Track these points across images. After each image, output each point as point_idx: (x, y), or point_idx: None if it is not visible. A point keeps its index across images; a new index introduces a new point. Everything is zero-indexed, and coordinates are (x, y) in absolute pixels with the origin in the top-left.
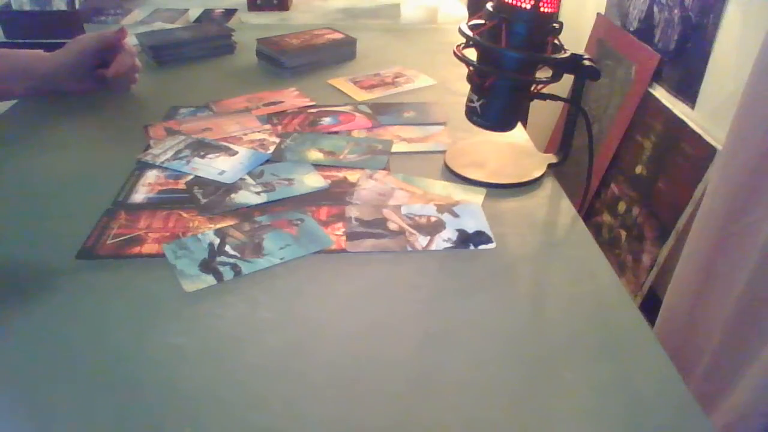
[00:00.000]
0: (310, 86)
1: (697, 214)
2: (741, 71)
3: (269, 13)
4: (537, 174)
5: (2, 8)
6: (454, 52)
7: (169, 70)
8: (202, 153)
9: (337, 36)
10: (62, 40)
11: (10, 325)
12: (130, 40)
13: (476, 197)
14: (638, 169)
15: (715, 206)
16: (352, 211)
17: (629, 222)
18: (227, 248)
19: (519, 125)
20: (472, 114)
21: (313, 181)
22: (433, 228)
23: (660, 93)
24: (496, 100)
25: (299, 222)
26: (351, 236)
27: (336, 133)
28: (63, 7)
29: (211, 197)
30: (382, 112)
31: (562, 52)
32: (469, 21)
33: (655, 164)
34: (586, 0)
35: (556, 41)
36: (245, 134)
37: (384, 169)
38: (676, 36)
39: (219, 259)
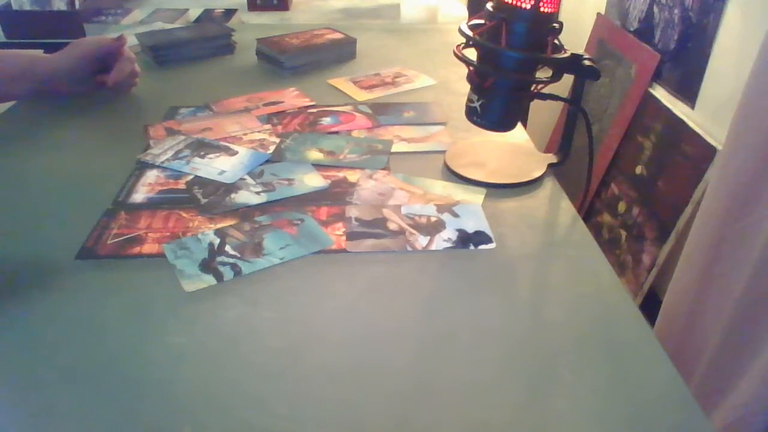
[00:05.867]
0: (310, 86)
1: (697, 214)
2: (741, 71)
3: (269, 13)
4: (537, 174)
5: (2, 8)
6: (454, 52)
7: (169, 70)
8: (202, 153)
9: (337, 36)
10: (62, 41)
11: (9, 325)
12: (130, 40)
13: (476, 197)
14: (638, 169)
15: (715, 206)
16: (352, 211)
17: (629, 222)
18: (227, 248)
19: (519, 125)
20: (472, 114)
21: (313, 181)
22: (433, 228)
23: (660, 93)
24: (496, 100)
25: (299, 222)
26: (351, 236)
27: (336, 133)
28: (63, 7)
29: (211, 197)
30: (382, 112)
31: (562, 52)
32: (469, 21)
33: (655, 164)
34: (586, 0)
35: (556, 41)
36: (245, 134)
37: (384, 169)
38: (676, 36)
39: (219, 259)
